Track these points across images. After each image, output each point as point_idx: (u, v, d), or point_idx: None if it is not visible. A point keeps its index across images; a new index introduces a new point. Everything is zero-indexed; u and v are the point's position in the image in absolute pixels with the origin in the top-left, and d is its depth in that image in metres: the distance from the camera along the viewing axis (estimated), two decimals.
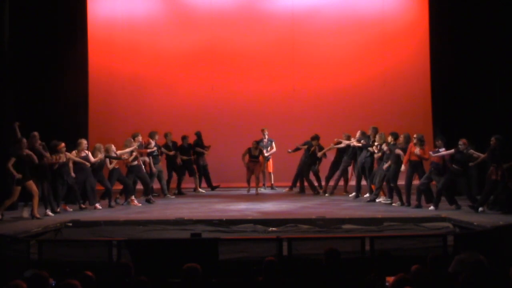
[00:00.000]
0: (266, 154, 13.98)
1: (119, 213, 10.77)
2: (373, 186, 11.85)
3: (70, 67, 13.17)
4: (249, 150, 13.40)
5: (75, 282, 4.41)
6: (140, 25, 15.34)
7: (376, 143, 11.69)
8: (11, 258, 7.34)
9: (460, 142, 10.33)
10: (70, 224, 9.49)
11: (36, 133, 10.18)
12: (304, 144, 13.54)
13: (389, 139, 11.38)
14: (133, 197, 11.81)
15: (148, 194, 12.06)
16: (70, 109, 13.18)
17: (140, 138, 12.08)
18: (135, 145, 11.75)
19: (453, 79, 12.97)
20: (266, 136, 14.22)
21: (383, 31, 15.02)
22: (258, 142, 13.57)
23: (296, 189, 13.78)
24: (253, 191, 13.49)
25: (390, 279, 4.93)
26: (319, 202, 12.14)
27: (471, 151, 10.25)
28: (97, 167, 11.27)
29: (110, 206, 11.39)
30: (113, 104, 15.21)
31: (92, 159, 11.12)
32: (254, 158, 13.42)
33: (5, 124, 11.37)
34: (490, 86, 11.70)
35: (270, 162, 14.42)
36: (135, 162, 11.82)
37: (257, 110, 15.23)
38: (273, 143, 14.28)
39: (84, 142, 11.23)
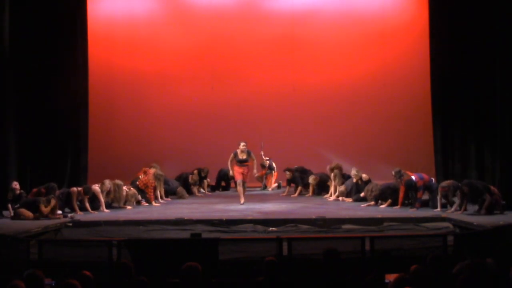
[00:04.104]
0: (271, 186, 14.35)
1: (119, 213, 10.78)
2: None
3: (71, 65, 13.17)
4: (235, 154, 11.74)
5: (74, 282, 4.40)
6: (140, 23, 15.33)
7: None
8: (11, 258, 7.33)
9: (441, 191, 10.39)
10: (70, 224, 9.50)
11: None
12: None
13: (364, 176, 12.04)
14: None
15: None
16: (70, 106, 13.18)
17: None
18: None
19: (453, 75, 12.91)
20: (268, 163, 14.29)
21: (382, 27, 14.98)
22: (245, 144, 11.82)
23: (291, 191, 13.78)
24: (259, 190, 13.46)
25: (389, 277, 4.93)
26: (319, 202, 12.15)
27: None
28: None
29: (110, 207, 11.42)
30: (113, 102, 15.22)
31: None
32: (242, 163, 11.72)
33: (6, 122, 11.38)
34: (490, 82, 11.67)
35: (272, 180, 14.50)
36: None
37: (257, 108, 15.23)
38: (275, 169, 14.43)
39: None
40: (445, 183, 10.47)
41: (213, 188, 14.64)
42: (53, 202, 10.00)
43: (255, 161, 12.02)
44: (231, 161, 11.83)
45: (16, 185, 10.45)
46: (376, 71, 15.03)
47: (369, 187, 11.53)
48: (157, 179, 12.07)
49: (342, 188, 12.31)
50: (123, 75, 15.16)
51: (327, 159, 14.55)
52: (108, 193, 11.22)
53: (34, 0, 12.54)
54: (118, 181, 11.43)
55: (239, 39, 15.40)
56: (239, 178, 11.76)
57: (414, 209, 10.51)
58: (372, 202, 11.42)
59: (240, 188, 11.76)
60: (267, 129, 14.86)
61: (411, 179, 10.75)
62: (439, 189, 10.42)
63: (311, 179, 13.16)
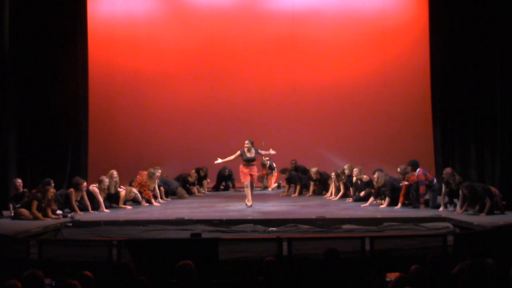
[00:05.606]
0: (271, 186, 14.50)
1: (119, 213, 10.78)
2: None
3: (71, 65, 13.19)
4: (242, 153, 11.29)
5: (74, 282, 4.40)
6: (140, 23, 15.35)
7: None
8: (11, 258, 7.33)
9: (444, 172, 10.46)
10: (70, 224, 9.49)
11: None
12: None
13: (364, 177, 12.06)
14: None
15: None
16: (70, 106, 13.19)
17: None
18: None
19: (453, 75, 12.91)
20: (268, 163, 14.27)
21: (383, 27, 14.98)
22: (252, 142, 11.42)
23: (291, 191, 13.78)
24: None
25: (390, 275, 4.93)
26: (319, 202, 12.15)
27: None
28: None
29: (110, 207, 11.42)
30: (113, 102, 15.24)
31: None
32: (249, 162, 11.31)
33: (6, 122, 11.38)
34: (490, 82, 11.67)
35: (272, 180, 14.53)
36: None
37: (257, 108, 15.24)
38: (276, 169, 14.48)
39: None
40: (450, 169, 10.59)
41: (214, 188, 14.69)
42: (50, 194, 9.99)
43: (263, 152, 11.95)
44: (234, 158, 11.38)
45: (19, 183, 10.44)
46: (376, 71, 15.03)
47: (375, 175, 11.49)
48: (149, 178, 12.07)
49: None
50: (123, 75, 15.17)
51: (327, 159, 14.59)
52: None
53: (34, 0, 12.53)
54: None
55: (239, 39, 15.40)
56: (246, 180, 11.30)
57: (423, 206, 10.51)
58: (372, 198, 11.45)
59: (247, 190, 11.31)
60: (267, 129, 14.86)
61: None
62: (444, 171, 10.46)
63: (313, 170, 13.18)
